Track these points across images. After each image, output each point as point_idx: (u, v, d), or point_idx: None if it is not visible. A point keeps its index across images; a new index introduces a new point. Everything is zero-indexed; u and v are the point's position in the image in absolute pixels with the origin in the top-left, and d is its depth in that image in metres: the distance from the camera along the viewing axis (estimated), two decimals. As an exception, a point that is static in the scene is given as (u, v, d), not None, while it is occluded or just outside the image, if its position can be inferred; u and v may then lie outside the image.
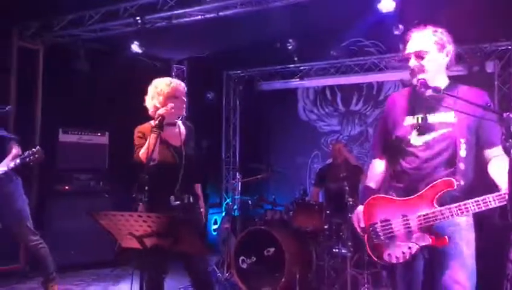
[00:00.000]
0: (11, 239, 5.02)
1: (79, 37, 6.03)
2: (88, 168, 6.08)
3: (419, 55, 2.37)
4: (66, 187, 5.89)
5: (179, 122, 3.27)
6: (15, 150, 4.25)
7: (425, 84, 2.30)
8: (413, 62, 2.39)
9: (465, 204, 2.20)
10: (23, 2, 5.34)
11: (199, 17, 5.33)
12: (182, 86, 3.21)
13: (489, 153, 2.33)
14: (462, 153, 2.29)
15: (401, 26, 5.34)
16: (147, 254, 2.38)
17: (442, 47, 2.37)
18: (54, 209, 5.69)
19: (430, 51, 2.36)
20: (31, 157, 4.05)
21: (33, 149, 4.08)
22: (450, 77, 2.46)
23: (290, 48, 6.46)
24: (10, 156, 4.20)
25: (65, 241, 5.40)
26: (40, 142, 5.83)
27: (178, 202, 3.05)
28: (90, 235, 5.36)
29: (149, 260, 2.44)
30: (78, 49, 6.11)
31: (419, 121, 2.38)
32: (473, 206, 2.18)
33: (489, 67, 6.38)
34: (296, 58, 6.93)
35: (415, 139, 2.37)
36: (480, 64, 6.22)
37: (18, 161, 4.08)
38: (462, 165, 2.28)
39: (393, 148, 2.49)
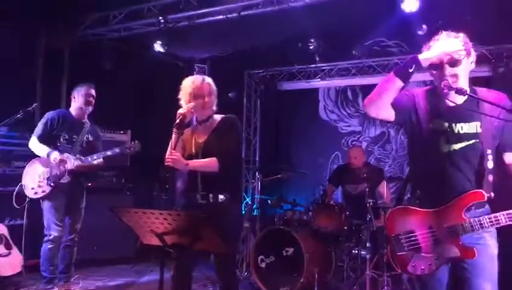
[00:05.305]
0: (39, 233, 5.15)
1: (103, 37, 6.13)
2: (110, 165, 6.18)
3: (454, 63, 2.25)
4: (89, 184, 5.99)
5: (216, 116, 3.21)
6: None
7: (449, 86, 2.20)
8: (448, 70, 2.25)
9: (496, 217, 2.15)
10: (49, 2, 5.46)
11: (221, 16, 5.36)
12: (204, 84, 3.11)
13: (510, 156, 2.29)
14: (490, 164, 2.23)
15: (424, 26, 5.28)
16: (172, 251, 2.40)
17: (469, 53, 2.29)
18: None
19: (462, 57, 2.25)
20: (131, 149, 4.29)
21: (135, 141, 4.34)
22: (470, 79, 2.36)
23: (311, 47, 6.44)
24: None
25: (88, 237, 5.47)
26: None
27: (204, 201, 3.05)
28: (113, 231, 5.45)
29: (174, 257, 2.46)
30: (103, 49, 6.22)
31: (447, 128, 2.29)
32: (505, 218, 2.14)
33: (515, 68, 6.25)
34: (317, 58, 6.91)
35: (443, 146, 2.28)
36: (506, 65, 6.10)
37: (117, 149, 4.28)
38: (490, 177, 2.23)
39: (418, 147, 2.40)
